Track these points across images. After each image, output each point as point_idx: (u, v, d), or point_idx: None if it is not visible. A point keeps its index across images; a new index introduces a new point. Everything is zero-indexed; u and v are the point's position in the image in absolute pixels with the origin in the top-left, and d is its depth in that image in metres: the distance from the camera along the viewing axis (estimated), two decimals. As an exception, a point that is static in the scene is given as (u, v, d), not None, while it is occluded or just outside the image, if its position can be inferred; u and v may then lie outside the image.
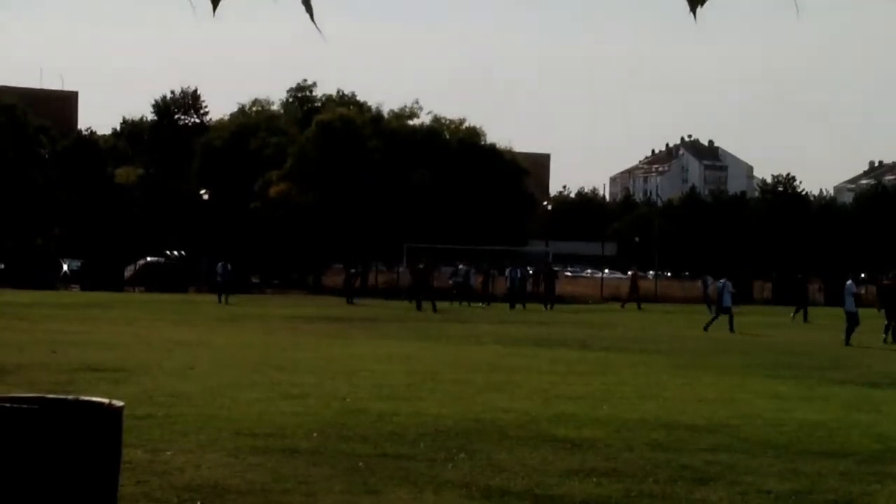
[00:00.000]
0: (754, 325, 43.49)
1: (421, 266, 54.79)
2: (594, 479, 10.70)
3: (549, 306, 56.14)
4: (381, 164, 75.01)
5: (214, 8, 4.23)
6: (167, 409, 14.65)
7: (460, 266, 60.06)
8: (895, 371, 24.07)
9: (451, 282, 59.85)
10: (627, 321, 45.23)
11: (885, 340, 34.96)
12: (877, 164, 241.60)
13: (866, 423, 15.31)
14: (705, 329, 38.39)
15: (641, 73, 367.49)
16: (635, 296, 60.25)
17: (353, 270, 60.64)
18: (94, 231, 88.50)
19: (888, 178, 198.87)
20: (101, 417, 6.89)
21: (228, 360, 22.16)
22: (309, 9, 4.10)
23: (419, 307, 49.96)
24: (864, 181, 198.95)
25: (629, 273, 66.92)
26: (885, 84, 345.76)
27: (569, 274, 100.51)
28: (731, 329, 38.10)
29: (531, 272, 66.68)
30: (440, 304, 50.99)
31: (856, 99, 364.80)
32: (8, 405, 6.74)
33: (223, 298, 51.84)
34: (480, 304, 57.74)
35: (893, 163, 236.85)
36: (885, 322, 35.99)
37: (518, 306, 55.78)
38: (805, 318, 47.40)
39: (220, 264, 54.73)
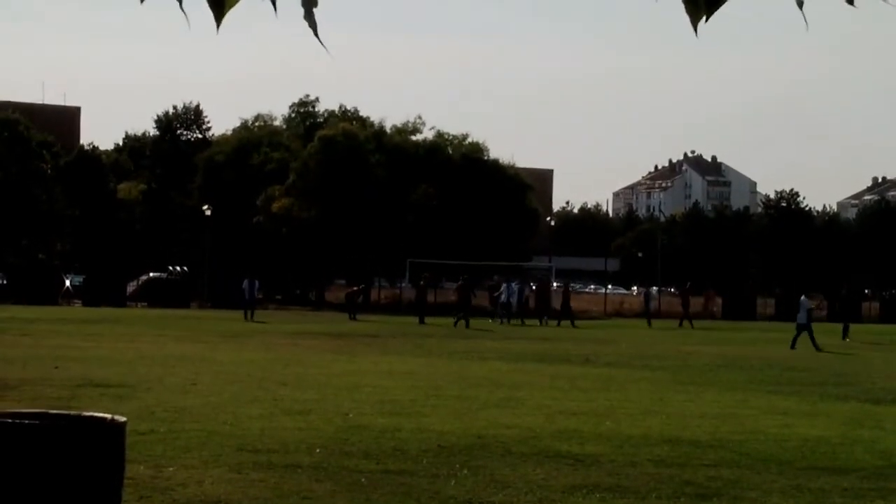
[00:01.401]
0: (757, 341, 43.47)
1: (463, 281, 54.51)
2: (598, 495, 10.68)
3: (544, 321, 55.68)
4: (383, 180, 75.06)
5: (218, 24, 4.22)
6: (170, 424, 14.63)
7: (512, 284, 58.57)
8: (898, 387, 24.02)
9: (498, 298, 58.34)
10: (630, 337, 45.19)
11: None
12: (880, 181, 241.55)
13: (869, 440, 15.28)
14: (792, 347, 38.23)
15: (644, 88, 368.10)
16: (685, 312, 59.14)
17: (356, 288, 60.59)
18: (97, 246, 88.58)
19: (891, 193, 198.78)
20: (104, 433, 6.88)
21: (231, 376, 22.14)
22: (312, 24, 4.09)
23: (466, 324, 49.25)
24: (867, 197, 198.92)
25: (677, 290, 65.38)
26: (889, 100, 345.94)
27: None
28: (815, 346, 38.00)
29: (533, 287, 66.40)
30: (477, 322, 50.74)
31: (859, 115, 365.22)
32: (10, 421, 6.73)
33: (249, 315, 51.26)
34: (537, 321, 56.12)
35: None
36: None
37: (516, 321, 55.31)
38: (845, 335, 45.59)
39: (245, 281, 53.87)
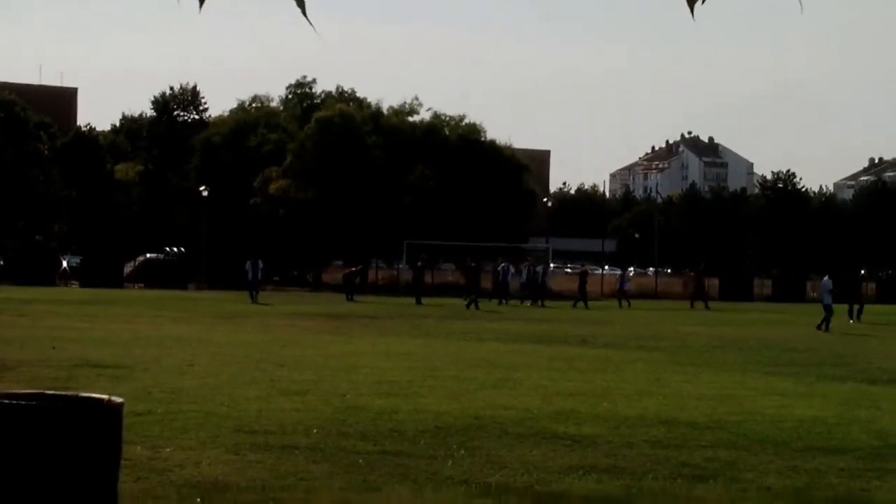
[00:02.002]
0: (754, 322, 43.51)
1: (472, 265, 54.56)
2: (594, 476, 10.70)
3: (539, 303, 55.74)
4: (380, 161, 74.98)
5: (201, 4, 4.23)
6: (167, 405, 14.64)
7: (536, 267, 58.68)
8: (894, 367, 24.06)
9: (503, 280, 58.32)
10: (627, 318, 45.24)
11: None
12: (877, 161, 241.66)
13: (865, 420, 15.31)
14: (818, 328, 38.22)
15: (642, 70, 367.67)
16: (701, 294, 58.99)
17: (353, 269, 60.51)
18: (94, 227, 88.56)
19: (888, 174, 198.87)
20: (101, 414, 6.89)
21: (228, 357, 22.15)
22: (301, 4, 4.10)
23: (476, 306, 49.44)
24: (864, 178, 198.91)
25: (690, 272, 65.25)
26: (886, 81, 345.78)
27: (568, 270, 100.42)
28: (826, 328, 38.08)
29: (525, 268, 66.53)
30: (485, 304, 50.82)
31: (856, 96, 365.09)
32: (7, 401, 6.74)
33: (254, 296, 50.98)
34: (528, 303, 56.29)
35: (893, 159, 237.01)
36: None
37: (504, 302, 55.34)
38: (858, 317, 44.93)
39: (249, 262, 53.51)
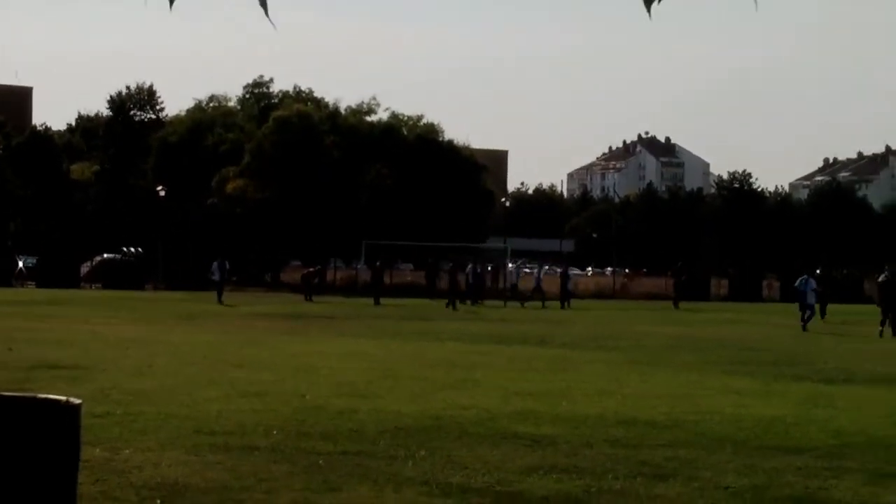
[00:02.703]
0: (711, 322, 43.73)
1: (455, 266, 54.66)
2: (554, 476, 10.72)
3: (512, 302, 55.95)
4: (338, 161, 74.87)
5: (171, 3, 4.22)
6: (125, 407, 14.57)
7: (545, 268, 59.14)
8: (851, 367, 24.24)
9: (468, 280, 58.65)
10: (585, 318, 45.37)
11: (881, 334, 36.03)
12: (831, 161, 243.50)
13: (823, 419, 15.42)
14: (803, 329, 38.53)
15: (599, 70, 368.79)
16: (680, 293, 59.47)
17: (311, 269, 60.37)
18: (50, 227, 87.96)
19: (842, 175, 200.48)
20: (59, 415, 6.84)
21: (187, 358, 22.06)
22: (263, 3, 4.10)
23: (454, 307, 49.89)
24: (818, 178, 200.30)
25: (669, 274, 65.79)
26: (841, 82, 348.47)
27: (527, 271, 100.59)
28: (805, 326, 38.58)
29: (489, 268, 66.86)
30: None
31: (811, 97, 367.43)
32: (-36, 404, 6.68)
33: (220, 296, 50.39)
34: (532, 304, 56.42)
35: (848, 160, 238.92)
36: (882, 317, 37.19)
37: (479, 302, 55.65)
38: (823, 316, 45.00)
39: (216, 263, 52.91)
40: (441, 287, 61.38)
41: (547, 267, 59.76)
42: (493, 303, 56.37)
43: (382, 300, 53.20)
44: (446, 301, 51.09)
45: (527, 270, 72.91)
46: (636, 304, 62.35)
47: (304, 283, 58.21)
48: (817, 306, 43.13)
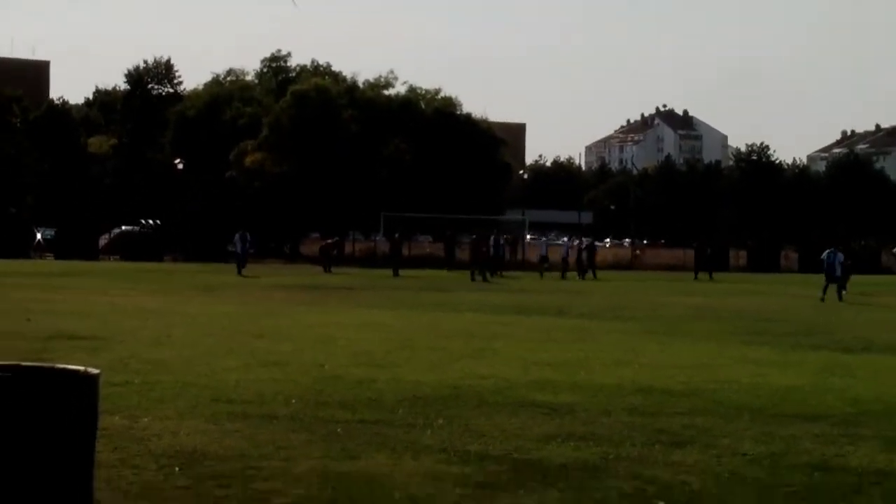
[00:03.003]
0: (730, 293, 43.67)
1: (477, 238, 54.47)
2: (572, 444, 10.74)
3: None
4: (356, 135, 74.84)
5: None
6: (144, 376, 14.62)
7: (568, 239, 59.26)
8: (868, 336, 24.22)
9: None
10: (604, 289, 45.33)
11: None
12: (849, 134, 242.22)
13: (840, 388, 15.41)
14: (822, 300, 38.37)
15: (617, 43, 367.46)
16: (704, 265, 59.66)
17: (330, 241, 60.34)
18: (68, 200, 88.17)
19: (860, 147, 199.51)
20: (77, 385, 6.87)
21: (205, 329, 22.12)
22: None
23: (485, 278, 49.56)
24: (836, 150, 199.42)
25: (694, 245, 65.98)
26: (859, 54, 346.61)
27: (560, 243, 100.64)
28: (824, 297, 38.57)
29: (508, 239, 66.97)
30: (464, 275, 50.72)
31: (829, 69, 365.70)
32: (-17, 372, 6.71)
33: (241, 268, 49.47)
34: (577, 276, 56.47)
35: (865, 132, 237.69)
36: None
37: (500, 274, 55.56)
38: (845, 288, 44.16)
39: (237, 235, 52.07)
40: (460, 258, 61.39)
41: (577, 240, 60.09)
42: (511, 274, 56.41)
43: (401, 271, 53.25)
44: (471, 272, 50.76)
45: (560, 243, 73.10)
46: (654, 276, 62.29)
47: (322, 254, 58.27)
48: (845, 280, 42.99)
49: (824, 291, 39.06)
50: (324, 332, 21.86)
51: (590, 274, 56.06)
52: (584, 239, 65.70)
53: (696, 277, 57.35)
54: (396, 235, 59.91)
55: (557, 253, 61.33)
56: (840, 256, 40.73)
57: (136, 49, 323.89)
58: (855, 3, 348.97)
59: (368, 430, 11.23)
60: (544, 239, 60.44)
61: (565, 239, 60.61)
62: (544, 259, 58.74)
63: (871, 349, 21.49)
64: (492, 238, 58.08)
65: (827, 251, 41.47)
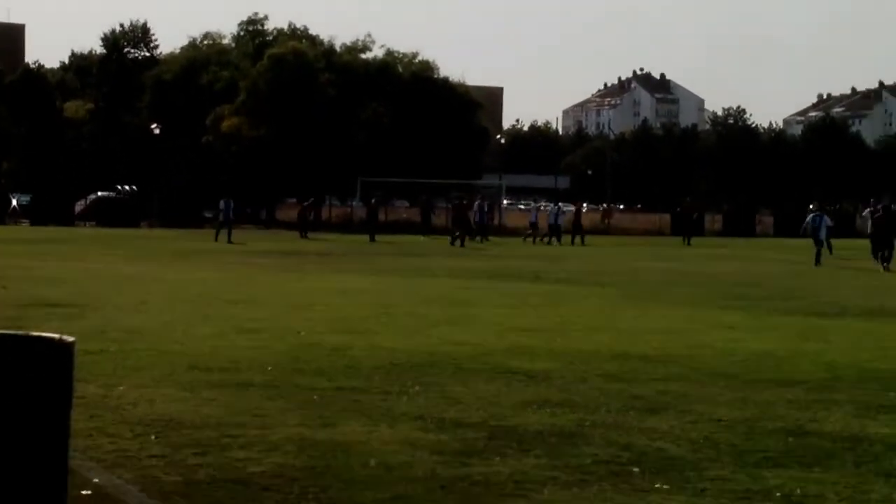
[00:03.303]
0: (706, 257, 43.80)
1: (462, 202, 54.14)
2: (548, 410, 10.78)
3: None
4: (333, 99, 74.61)
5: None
6: (120, 344, 14.61)
7: (556, 205, 59.11)
8: (843, 301, 24.32)
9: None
10: (580, 254, 45.41)
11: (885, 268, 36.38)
12: (825, 97, 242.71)
13: (815, 352, 15.48)
14: (816, 264, 38.25)
15: (594, 6, 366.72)
16: (688, 229, 59.72)
17: (306, 203, 60.11)
18: (44, 165, 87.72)
19: (836, 110, 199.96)
20: (52, 352, 6.84)
21: (182, 296, 22.09)
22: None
23: (462, 243, 49.12)
24: (812, 114, 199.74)
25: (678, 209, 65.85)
26: (835, 17, 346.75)
27: (522, 207, 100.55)
28: (817, 261, 38.46)
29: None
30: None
31: (805, 32, 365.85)
32: (-43, 340, 6.68)
33: (226, 236, 48.18)
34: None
35: (841, 95, 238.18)
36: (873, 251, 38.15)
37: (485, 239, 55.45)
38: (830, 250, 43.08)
39: (222, 201, 51.21)
40: (436, 224, 61.36)
41: (505, 203, 59.53)
42: (495, 240, 56.38)
43: (377, 237, 53.23)
44: (451, 237, 50.58)
45: (521, 207, 73.10)
46: (631, 240, 62.42)
47: (300, 218, 58.03)
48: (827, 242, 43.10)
49: (818, 257, 39.08)
50: (300, 299, 21.86)
51: (578, 239, 55.64)
52: (584, 204, 65.54)
53: (688, 242, 56.95)
54: (373, 201, 59.85)
55: (543, 220, 61.17)
56: (826, 220, 40.85)
57: (112, 12, 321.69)
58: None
59: (345, 397, 11.25)
60: (534, 205, 59.95)
61: (552, 205, 60.22)
62: (534, 226, 57.99)
63: (847, 314, 21.58)
64: (476, 203, 57.92)
65: (812, 215, 41.52)
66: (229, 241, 47.37)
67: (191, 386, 11.66)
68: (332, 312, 19.36)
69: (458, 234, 50.28)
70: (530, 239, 55.90)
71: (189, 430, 9.60)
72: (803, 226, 42.17)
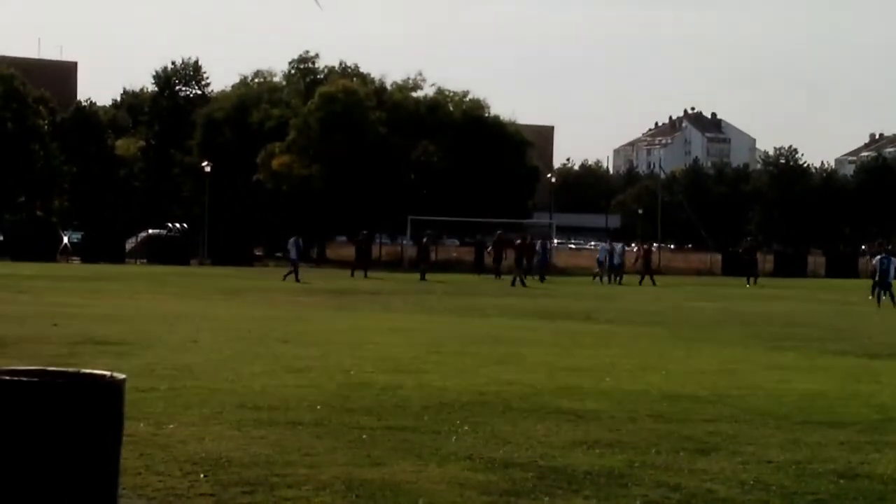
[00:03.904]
0: (756, 297, 43.51)
1: (526, 240, 53.87)
2: (597, 451, 10.72)
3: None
4: (384, 137, 74.86)
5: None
6: (170, 382, 14.65)
7: (615, 244, 59.25)
8: (894, 342, 24.08)
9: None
10: (630, 294, 45.24)
11: None
12: (877, 137, 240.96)
13: (866, 394, 15.33)
14: (878, 303, 38.75)
15: (645, 44, 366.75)
16: (750, 270, 58.87)
17: (359, 238, 60.06)
18: (95, 203, 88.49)
19: (889, 150, 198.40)
20: (103, 390, 6.88)
21: (232, 333, 22.14)
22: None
23: (523, 283, 48.92)
24: (864, 153, 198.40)
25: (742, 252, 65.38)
26: (887, 57, 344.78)
27: (572, 246, 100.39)
28: (879, 301, 39.01)
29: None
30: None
31: (857, 72, 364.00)
32: (9, 378, 6.73)
33: (297, 274, 48.22)
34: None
35: (894, 135, 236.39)
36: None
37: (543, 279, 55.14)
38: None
39: (291, 240, 51.70)
40: (487, 263, 61.13)
41: (556, 242, 59.49)
42: (553, 279, 56.11)
43: (428, 276, 53.23)
44: (513, 277, 50.09)
45: (571, 246, 72.93)
46: (681, 280, 62.12)
47: (358, 252, 57.85)
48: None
49: (878, 297, 39.10)
50: (350, 337, 21.87)
51: (647, 279, 55.34)
52: (652, 245, 65.36)
53: (754, 282, 56.09)
54: (425, 239, 59.84)
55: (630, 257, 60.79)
56: (894, 261, 40.66)
57: (163, 50, 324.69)
58: (883, 6, 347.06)
59: (394, 436, 11.23)
60: (603, 245, 59.54)
61: (618, 245, 60.09)
62: (601, 264, 57.61)
63: (899, 355, 21.36)
64: (538, 243, 57.72)
65: (879, 256, 41.64)
66: (297, 280, 47.10)
67: (240, 424, 11.67)
68: (382, 351, 19.35)
69: (520, 274, 49.78)
70: (596, 278, 55.85)
71: (238, 468, 9.61)
72: (870, 268, 42.19)
